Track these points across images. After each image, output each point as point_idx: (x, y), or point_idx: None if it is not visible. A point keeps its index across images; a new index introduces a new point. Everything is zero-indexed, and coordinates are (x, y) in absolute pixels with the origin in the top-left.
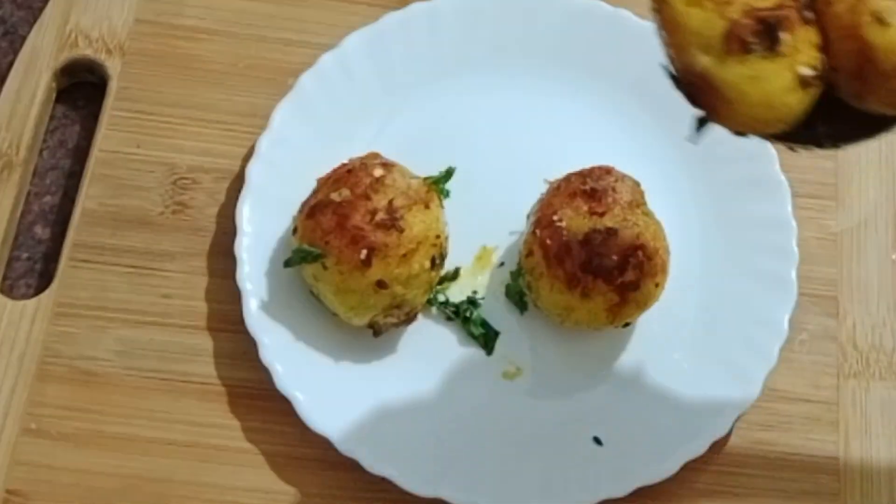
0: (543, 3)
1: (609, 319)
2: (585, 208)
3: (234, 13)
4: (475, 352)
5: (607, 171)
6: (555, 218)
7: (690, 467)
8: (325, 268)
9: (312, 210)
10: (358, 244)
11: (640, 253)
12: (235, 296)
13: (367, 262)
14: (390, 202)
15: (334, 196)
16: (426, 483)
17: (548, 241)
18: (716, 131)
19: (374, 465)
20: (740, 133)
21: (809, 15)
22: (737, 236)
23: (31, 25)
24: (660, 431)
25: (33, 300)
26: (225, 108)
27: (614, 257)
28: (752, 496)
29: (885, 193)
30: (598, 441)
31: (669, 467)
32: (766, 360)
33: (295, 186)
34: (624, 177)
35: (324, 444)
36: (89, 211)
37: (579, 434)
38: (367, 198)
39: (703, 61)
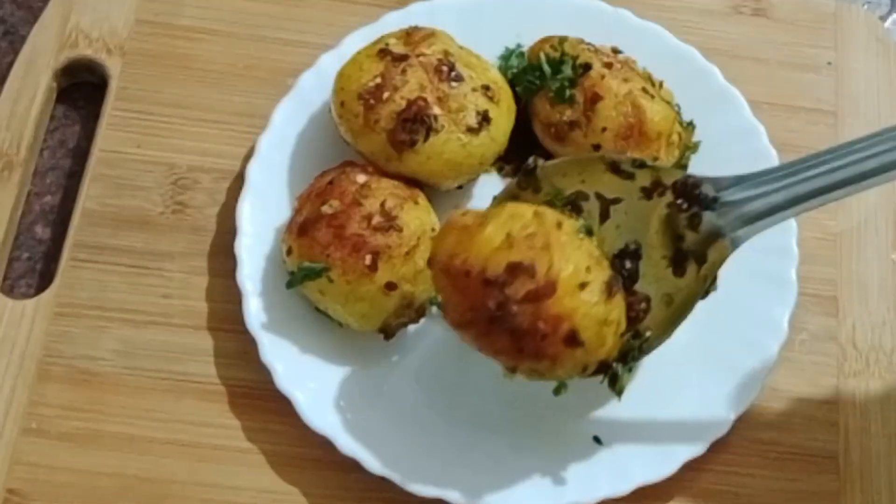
0: (543, 3)
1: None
2: None
3: (233, 13)
4: (475, 352)
5: None
6: None
7: (690, 467)
8: (330, 281)
9: (304, 227)
10: (360, 251)
11: None
12: (235, 296)
13: (373, 267)
14: (382, 204)
15: (325, 209)
16: (426, 483)
17: None
18: (714, 133)
19: (374, 465)
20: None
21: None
22: None
23: (31, 25)
24: (660, 431)
25: (33, 300)
26: (224, 107)
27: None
28: (752, 496)
29: (885, 193)
30: (598, 441)
31: (669, 467)
32: (766, 360)
33: (295, 186)
34: None
35: (324, 444)
36: (89, 211)
37: (579, 434)
38: (359, 204)
39: (392, 167)
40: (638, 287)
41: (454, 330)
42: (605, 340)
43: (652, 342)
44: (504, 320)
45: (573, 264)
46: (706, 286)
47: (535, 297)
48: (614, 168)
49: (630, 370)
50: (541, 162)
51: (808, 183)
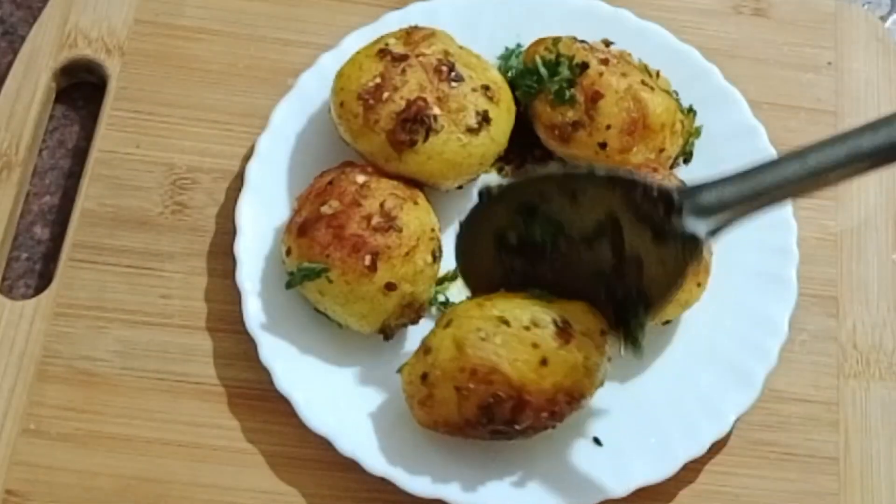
0: (543, 3)
1: (651, 318)
2: None
3: (233, 13)
4: None
5: (654, 168)
6: None
7: (690, 467)
8: (329, 281)
9: (304, 227)
10: (360, 251)
11: None
12: (235, 296)
13: (372, 268)
14: (382, 205)
15: (325, 209)
16: (426, 483)
17: None
18: (714, 133)
19: (374, 465)
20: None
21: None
22: (737, 236)
23: (30, 25)
24: (660, 431)
25: (32, 300)
26: (224, 107)
27: None
28: (752, 496)
29: (885, 194)
30: (597, 441)
31: (669, 467)
32: (766, 360)
33: (294, 186)
34: (670, 175)
35: (323, 444)
36: (88, 211)
37: (579, 434)
38: (358, 204)
39: (392, 167)
40: (627, 251)
41: None
42: (597, 370)
43: (655, 301)
44: (509, 433)
45: (523, 360)
46: (694, 256)
47: (520, 409)
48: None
49: (642, 326)
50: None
51: (768, 176)
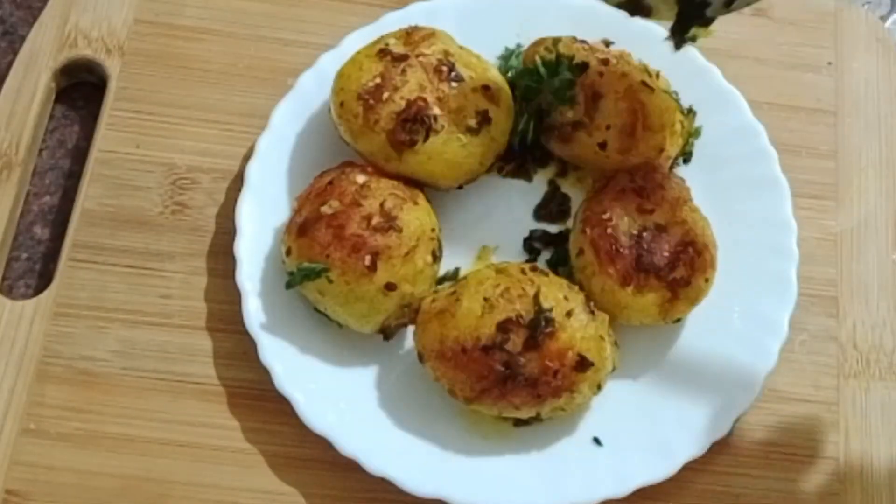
0: (543, 3)
1: (661, 315)
2: (634, 206)
3: (233, 13)
4: None
5: (653, 167)
6: (604, 216)
7: (690, 467)
8: (329, 281)
9: (304, 227)
10: (360, 251)
11: (690, 249)
12: (235, 296)
13: (372, 268)
14: (382, 205)
15: (325, 209)
16: (426, 483)
17: (598, 240)
18: (714, 133)
19: (374, 465)
20: None
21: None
22: (737, 236)
23: (30, 25)
24: (660, 431)
25: (32, 300)
26: (224, 107)
27: (665, 254)
28: (752, 497)
29: (885, 194)
30: (597, 441)
31: (669, 467)
32: (766, 360)
33: (294, 186)
34: (670, 174)
35: (324, 444)
36: (88, 211)
37: (579, 434)
38: (358, 204)
39: (392, 167)
40: None
41: (469, 405)
42: (606, 351)
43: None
44: (515, 375)
45: (552, 299)
46: None
47: (534, 343)
48: None
49: (707, 24)
50: None
51: None
